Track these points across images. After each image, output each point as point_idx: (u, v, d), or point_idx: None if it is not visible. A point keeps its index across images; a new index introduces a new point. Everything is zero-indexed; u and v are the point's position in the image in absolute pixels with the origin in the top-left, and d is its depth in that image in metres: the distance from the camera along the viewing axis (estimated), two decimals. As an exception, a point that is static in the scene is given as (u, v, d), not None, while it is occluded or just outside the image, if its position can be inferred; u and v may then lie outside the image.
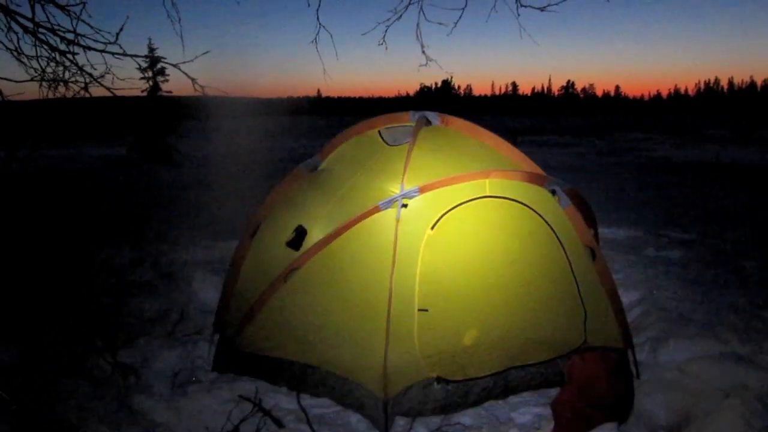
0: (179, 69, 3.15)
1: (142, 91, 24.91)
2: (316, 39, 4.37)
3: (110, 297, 5.52)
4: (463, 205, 4.03)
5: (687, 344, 4.64)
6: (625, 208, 11.08)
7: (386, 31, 4.44)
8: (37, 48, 3.38)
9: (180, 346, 4.68)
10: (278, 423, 3.77)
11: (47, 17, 3.27)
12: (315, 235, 4.22)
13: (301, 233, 4.34)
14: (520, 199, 4.17)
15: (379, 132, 4.71)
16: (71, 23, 3.26)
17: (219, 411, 3.86)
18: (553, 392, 4.06)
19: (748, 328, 4.90)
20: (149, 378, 4.19)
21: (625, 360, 4.27)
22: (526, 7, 4.28)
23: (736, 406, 3.74)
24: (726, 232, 8.75)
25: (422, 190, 3.95)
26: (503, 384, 4.07)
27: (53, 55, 3.39)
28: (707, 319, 5.09)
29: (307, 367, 4.05)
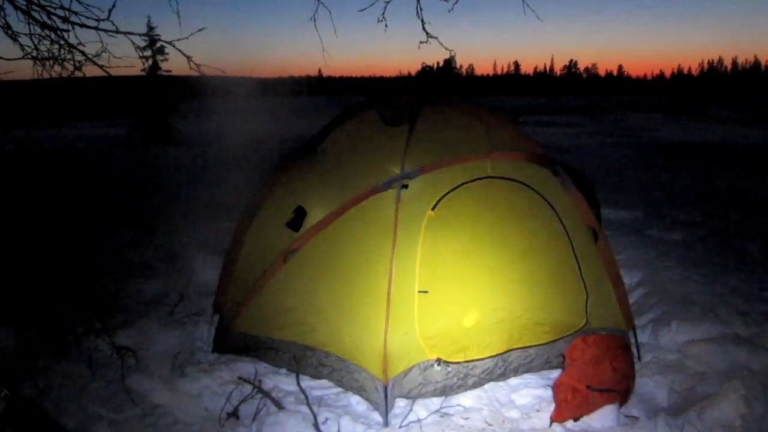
0: (174, 47, 3.09)
1: (142, 70, 24.73)
2: (314, 16, 4.29)
3: (109, 278, 5.49)
4: (464, 186, 3.98)
5: (689, 326, 4.62)
6: (628, 188, 11.02)
7: (385, 7, 4.36)
8: (31, 25, 3.31)
9: (179, 328, 4.67)
10: (278, 404, 3.76)
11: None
12: (315, 216, 4.18)
13: (300, 214, 4.30)
14: (522, 180, 4.12)
15: (379, 112, 4.65)
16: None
17: (219, 392, 3.85)
18: (554, 374, 4.04)
19: (750, 310, 4.87)
20: (148, 359, 4.17)
21: (627, 342, 4.25)
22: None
23: (738, 389, 3.72)
24: (729, 214, 8.71)
25: (423, 170, 3.90)
26: (504, 366, 4.05)
27: (45, 32, 3.32)
28: (709, 301, 5.07)
29: (307, 349, 4.03)
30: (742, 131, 25.02)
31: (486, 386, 4.00)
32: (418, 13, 4.45)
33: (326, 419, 3.62)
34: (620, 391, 3.79)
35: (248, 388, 3.87)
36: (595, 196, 4.89)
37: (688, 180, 12.30)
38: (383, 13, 4.39)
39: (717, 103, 47.07)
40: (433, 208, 3.88)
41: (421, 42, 4.53)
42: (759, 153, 17.29)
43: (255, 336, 4.24)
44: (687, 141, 21.41)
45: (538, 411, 3.80)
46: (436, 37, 4.51)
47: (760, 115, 34.08)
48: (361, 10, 4.28)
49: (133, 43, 3.29)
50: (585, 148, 18.66)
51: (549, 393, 3.87)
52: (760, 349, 4.24)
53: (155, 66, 25.17)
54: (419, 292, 3.79)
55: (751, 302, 5.04)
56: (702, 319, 4.69)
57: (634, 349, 4.28)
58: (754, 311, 4.85)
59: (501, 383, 4.05)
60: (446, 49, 4.69)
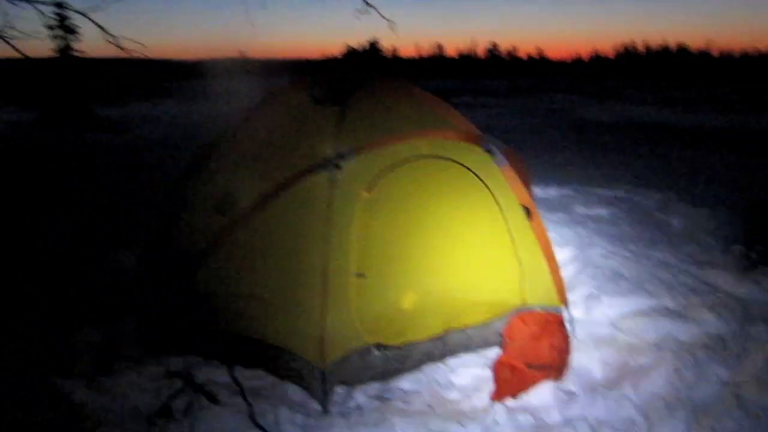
0: (87, 17, 2.85)
1: (53, 51, 23.48)
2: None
3: (25, 273, 5.14)
4: (399, 166, 3.90)
5: (619, 300, 4.73)
6: (555, 167, 11.24)
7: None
8: None
9: (102, 322, 4.40)
10: (211, 398, 3.59)
11: None
12: (244, 200, 4.00)
13: (228, 199, 4.12)
14: (456, 159, 4.07)
15: (309, 92, 4.49)
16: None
17: (147, 389, 3.65)
18: (493, 353, 4.04)
19: (676, 283, 5.02)
20: (69, 356, 3.91)
21: (561, 318, 4.29)
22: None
23: (669, 360, 3.83)
24: (651, 190, 8.99)
25: (357, 151, 3.79)
26: (442, 347, 4.02)
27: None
28: (637, 275, 5.20)
29: (240, 339, 3.87)
30: (655, 111, 26.02)
31: (425, 368, 3.96)
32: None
33: (263, 410, 3.49)
34: (557, 368, 3.83)
35: (179, 382, 3.69)
36: (528, 174, 4.92)
37: (609, 158, 12.66)
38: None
39: (632, 84, 48.83)
40: (367, 190, 3.78)
41: (359, 12, 4.36)
42: (671, 131, 18.02)
43: (184, 327, 4.05)
44: (606, 120, 22.09)
45: (477, 391, 3.79)
46: (374, 7, 4.37)
47: (671, 96, 35.58)
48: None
49: (42, 13, 3.01)
50: (511, 129, 18.94)
51: (488, 372, 3.86)
52: (688, 320, 4.37)
53: (67, 47, 23.92)
54: (356, 275, 3.70)
55: (676, 275, 5.20)
56: (631, 293, 4.80)
57: (568, 325, 4.32)
58: (680, 284, 5.00)
59: (440, 365, 4.02)
60: (385, 18, 4.55)
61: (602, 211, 7.60)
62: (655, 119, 22.31)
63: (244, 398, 3.57)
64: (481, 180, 4.14)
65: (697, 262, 5.62)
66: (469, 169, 4.11)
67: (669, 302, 4.67)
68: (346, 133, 3.89)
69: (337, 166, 3.73)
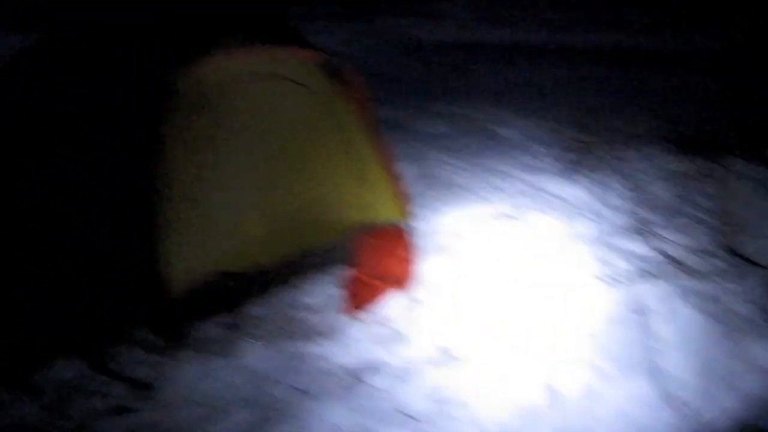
0: None
1: None
2: None
3: None
4: (237, 86, 3.69)
5: (458, 209, 4.95)
6: (392, 87, 11.28)
7: None
8: None
9: None
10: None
11: None
12: (62, 129, 3.63)
13: (47, 130, 3.72)
14: (297, 79, 3.94)
15: (130, 12, 4.11)
16: None
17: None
18: (343, 271, 4.09)
19: (510, 189, 5.35)
20: None
21: (406, 231, 4.41)
22: None
23: (505, 260, 4.12)
24: (486, 104, 9.34)
25: (190, 69, 3.52)
26: (292, 269, 4.00)
27: None
28: (474, 184, 5.46)
29: (75, 283, 3.59)
30: (488, 32, 26.80)
31: (276, 292, 3.94)
32: None
33: (110, 355, 3.33)
34: (405, 279, 3.97)
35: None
36: (368, 95, 4.91)
37: (446, 76, 12.96)
38: None
39: (467, 6, 50.09)
40: (202, 111, 3.55)
41: None
42: (504, 50, 18.73)
43: (19, 272, 3.68)
44: (442, 41, 22.49)
45: (330, 309, 3.83)
46: None
47: (503, 16, 36.97)
48: None
49: None
50: (350, 51, 18.75)
51: (339, 291, 3.92)
52: (521, 221, 4.70)
53: None
54: (195, 202, 3.52)
55: (509, 181, 5.54)
56: (469, 202, 5.05)
57: (412, 237, 4.45)
58: (513, 189, 5.34)
59: (291, 287, 4.01)
60: None
61: (440, 127, 7.82)
62: (489, 39, 23.02)
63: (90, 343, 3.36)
64: (322, 100, 4.05)
65: (527, 168, 6.00)
66: (307, 87, 4.00)
67: (503, 207, 4.97)
68: (177, 51, 3.60)
69: (168, 88, 3.45)
